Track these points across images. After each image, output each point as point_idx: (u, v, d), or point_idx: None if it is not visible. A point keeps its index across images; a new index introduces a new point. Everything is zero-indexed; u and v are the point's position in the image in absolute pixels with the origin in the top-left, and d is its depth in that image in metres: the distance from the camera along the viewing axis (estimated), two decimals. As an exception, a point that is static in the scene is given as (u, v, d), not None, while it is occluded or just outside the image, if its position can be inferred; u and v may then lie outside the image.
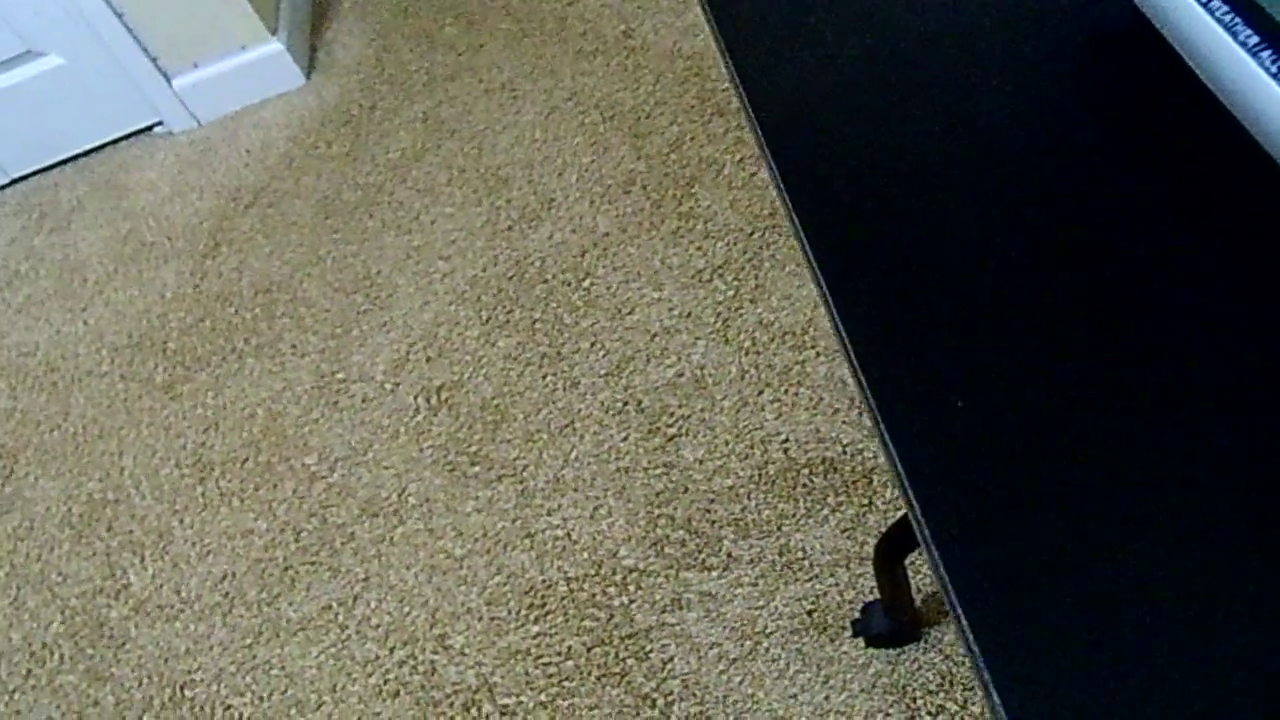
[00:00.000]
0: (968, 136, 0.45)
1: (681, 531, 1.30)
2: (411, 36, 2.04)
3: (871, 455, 1.28)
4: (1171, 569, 0.33)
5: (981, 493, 0.35)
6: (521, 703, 1.23)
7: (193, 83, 2.00)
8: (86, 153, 2.10)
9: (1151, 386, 0.37)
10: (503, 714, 1.23)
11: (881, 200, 0.45)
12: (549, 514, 1.36)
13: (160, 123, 2.07)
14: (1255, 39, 0.33)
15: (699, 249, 1.55)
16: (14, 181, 2.11)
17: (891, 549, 1.13)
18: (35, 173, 2.11)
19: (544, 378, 1.49)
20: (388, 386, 1.56)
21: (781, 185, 0.46)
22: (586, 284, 1.57)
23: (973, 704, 1.09)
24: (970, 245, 0.42)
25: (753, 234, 1.53)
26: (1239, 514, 0.33)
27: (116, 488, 1.58)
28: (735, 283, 1.49)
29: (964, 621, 0.31)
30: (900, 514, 1.20)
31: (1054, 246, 0.41)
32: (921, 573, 1.18)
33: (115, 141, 2.10)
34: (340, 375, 1.60)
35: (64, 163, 2.10)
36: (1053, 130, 0.45)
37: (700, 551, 1.28)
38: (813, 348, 1.39)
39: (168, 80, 1.98)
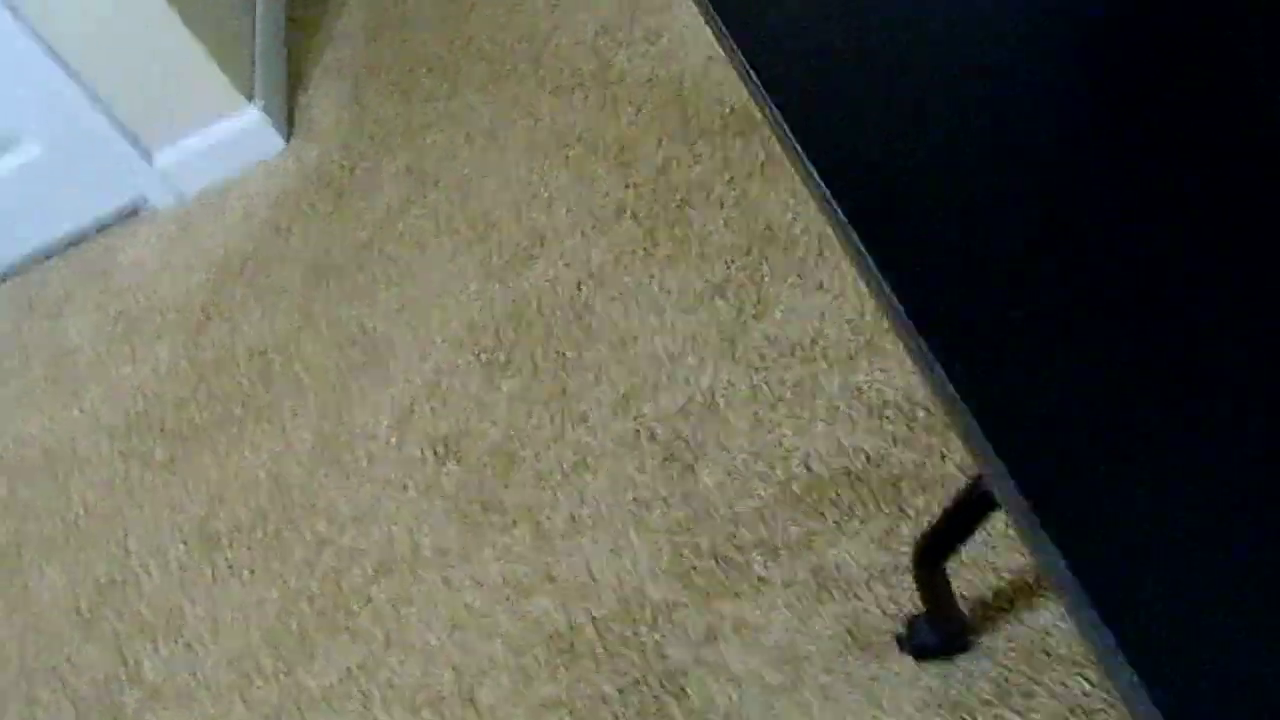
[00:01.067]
0: (982, 112, 0.43)
1: (708, 560, 1.25)
2: (387, 90, 2.03)
3: (897, 462, 1.24)
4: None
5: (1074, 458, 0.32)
6: (558, 755, 1.17)
7: (174, 158, 1.98)
8: (73, 239, 2.08)
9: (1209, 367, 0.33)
10: (540, 769, 1.17)
11: (914, 178, 0.42)
12: (569, 555, 1.31)
13: (144, 200, 2.05)
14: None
15: (696, 271, 1.51)
16: (2, 277, 2.09)
17: (930, 554, 1.08)
18: (21, 264, 2.09)
19: (551, 417, 1.45)
20: (392, 441, 1.52)
21: (816, 176, 0.43)
22: (585, 318, 1.53)
23: (1033, 711, 1.04)
24: (1014, 219, 0.39)
25: (749, 250, 1.50)
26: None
27: (123, 569, 1.53)
28: (737, 301, 1.46)
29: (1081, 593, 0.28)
30: (935, 517, 1.15)
31: (1092, 225, 0.38)
32: (963, 578, 1.13)
33: (100, 223, 2.08)
34: (343, 435, 1.56)
35: (51, 252, 2.08)
36: (1074, 116, 0.42)
37: (730, 579, 1.23)
38: (823, 358, 1.35)
39: (148, 158, 1.97)
